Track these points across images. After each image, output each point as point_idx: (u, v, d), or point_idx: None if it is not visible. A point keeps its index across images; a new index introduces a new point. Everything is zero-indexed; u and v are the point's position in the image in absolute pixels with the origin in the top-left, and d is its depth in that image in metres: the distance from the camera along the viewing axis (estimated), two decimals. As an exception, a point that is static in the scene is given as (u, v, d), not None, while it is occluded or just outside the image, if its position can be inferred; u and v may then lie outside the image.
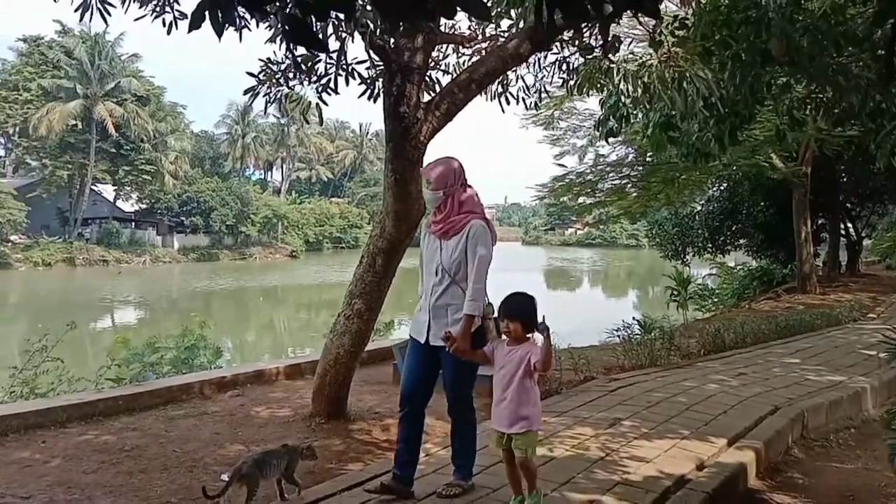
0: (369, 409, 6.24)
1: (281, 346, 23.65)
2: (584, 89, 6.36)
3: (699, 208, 24.11)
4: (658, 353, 8.98)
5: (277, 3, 2.01)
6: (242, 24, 4.51)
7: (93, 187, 56.23)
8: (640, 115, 7.08)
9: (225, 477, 4.46)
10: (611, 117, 6.65)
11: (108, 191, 59.75)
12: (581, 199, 21.11)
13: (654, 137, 6.72)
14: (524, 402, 3.78)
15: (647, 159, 17.73)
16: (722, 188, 23.12)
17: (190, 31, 2.06)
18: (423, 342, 4.20)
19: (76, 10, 4.57)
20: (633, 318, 12.34)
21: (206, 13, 1.90)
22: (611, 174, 19.50)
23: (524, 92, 6.76)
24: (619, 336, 10.50)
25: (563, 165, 19.49)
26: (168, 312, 30.91)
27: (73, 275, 48.23)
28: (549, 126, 18.98)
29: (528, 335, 3.86)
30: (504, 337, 3.92)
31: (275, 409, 6.26)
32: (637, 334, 10.52)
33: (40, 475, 4.60)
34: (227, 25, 1.98)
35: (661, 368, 8.51)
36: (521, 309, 3.85)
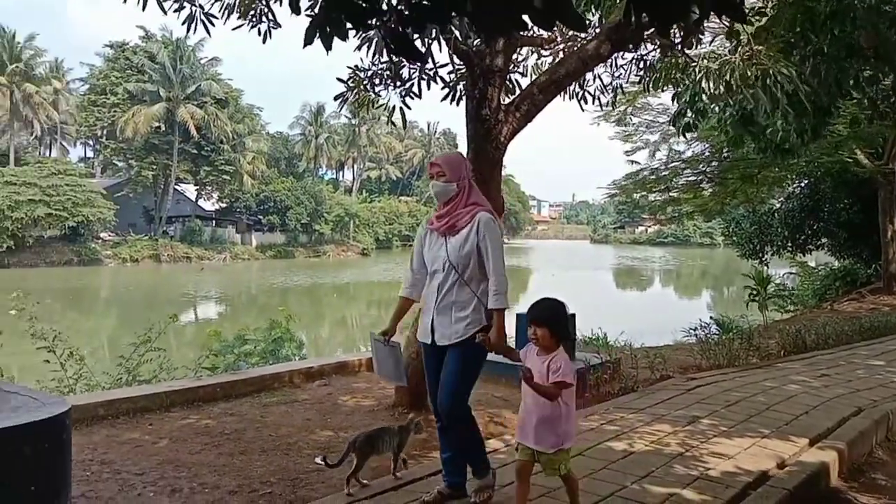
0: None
1: (352, 341, 24.17)
2: (661, 85, 6.40)
3: (778, 206, 23.44)
4: (736, 353, 8.89)
5: (380, 19, 2.20)
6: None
7: (176, 187, 58.49)
8: (716, 109, 7.05)
9: (319, 460, 4.76)
10: (688, 111, 6.64)
11: (190, 190, 62.02)
12: (653, 197, 20.85)
13: (731, 132, 6.69)
14: (554, 419, 3.53)
15: (724, 155, 17.42)
16: (803, 185, 22.43)
17: (304, 46, 2.27)
18: (430, 343, 4.05)
19: (183, 23, 4.92)
20: (710, 318, 12.22)
21: (318, 30, 2.12)
22: (685, 171, 19.22)
23: (601, 91, 6.83)
24: (695, 336, 10.42)
25: (636, 162, 19.34)
26: (248, 307, 32.00)
27: (159, 271, 50.32)
28: (622, 122, 18.84)
29: (558, 344, 3.60)
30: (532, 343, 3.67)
31: (359, 398, 6.53)
32: (714, 334, 10.42)
33: (150, 454, 4.94)
34: (334, 39, 2.20)
35: (740, 368, 8.44)
36: (548, 314, 3.62)
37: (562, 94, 6.07)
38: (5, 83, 51.21)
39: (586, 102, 6.40)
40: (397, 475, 4.37)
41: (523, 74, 6.45)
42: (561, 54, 6.13)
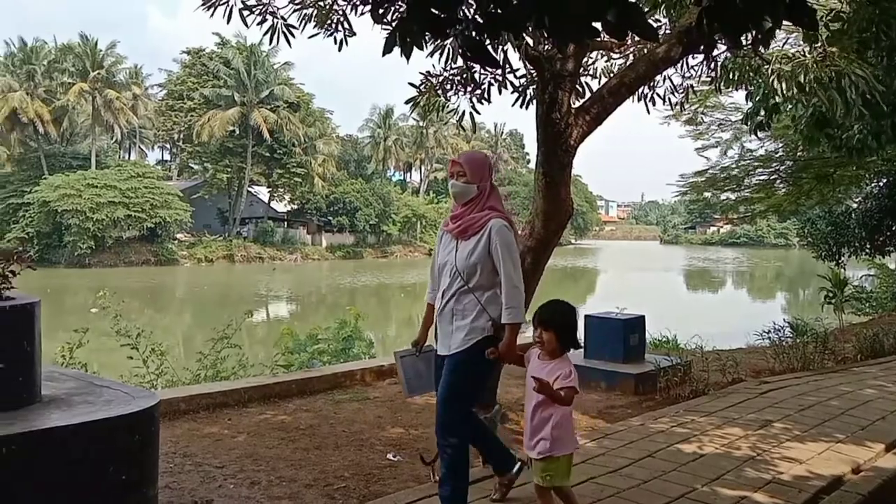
0: (517, 401, 6.49)
1: (419, 341, 24.28)
2: (734, 86, 6.33)
3: (855, 206, 22.56)
4: (811, 356, 8.70)
5: (457, 27, 2.30)
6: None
7: (249, 189, 60.05)
8: (789, 107, 6.92)
9: (391, 456, 4.92)
10: (760, 110, 6.54)
11: (262, 192, 63.62)
12: (725, 196, 20.36)
13: (806, 133, 6.57)
14: (544, 424, 3.36)
15: (798, 154, 16.92)
16: (881, 185, 21.51)
17: (383, 55, 2.37)
18: (439, 352, 3.90)
19: (264, 34, 5.15)
20: (784, 320, 11.92)
21: (397, 39, 2.23)
22: (758, 169, 18.72)
23: (671, 92, 6.77)
24: (768, 339, 10.22)
25: (707, 158, 18.96)
26: (317, 306, 32.68)
27: (233, 270, 51.80)
28: (693, 122, 18.48)
29: (564, 350, 3.44)
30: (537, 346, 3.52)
31: (429, 396, 6.60)
32: (788, 337, 10.20)
33: (229, 448, 5.16)
34: (413, 49, 2.30)
35: (814, 372, 8.26)
36: (557, 317, 3.44)
37: (632, 95, 6.06)
38: (88, 89, 53.48)
39: (654, 104, 6.36)
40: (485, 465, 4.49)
41: (594, 77, 6.46)
42: (631, 57, 6.13)
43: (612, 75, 6.01)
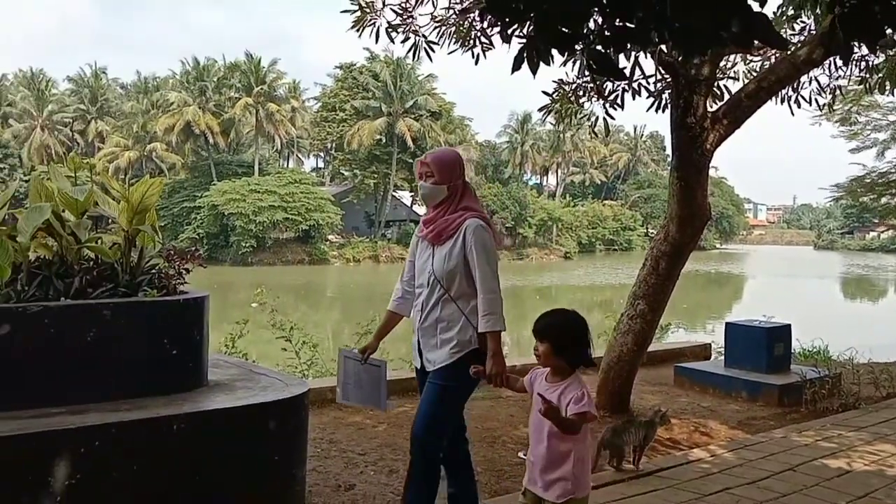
0: (651, 408, 6.45)
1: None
2: (889, 88, 5.99)
3: None
4: (980, 372, 8.00)
5: (583, 42, 2.40)
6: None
7: (393, 194, 62.31)
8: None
9: (521, 454, 5.07)
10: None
11: (406, 196, 65.65)
12: (884, 200, 18.91)
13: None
14: (563, 459, 2.89)
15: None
16: None
17: (512, 72, 2.51)
18: (419, 367, 3.61)
19: (408, 52, 5.48)
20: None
21: (525, 57, 2.38)
22: (919, 172, 17.25)
23: (817, 93, 6.49)
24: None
25: (861, 164, 17.70)
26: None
27: (377, 270, 53.65)
28: (846, 122, 17.31)
29: (570, 367, 2.96)
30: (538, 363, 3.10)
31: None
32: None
33: (371, 437, 5.47)
34: (539, 64, 2.44)
35: (982, 390, 7.60)
36: (553, 326, 3.00)
37: (773, 97, 5.88)
38: (252, 103, 57.86)
39: (799, 106, 6.12)
40: (639, 467, 4.59)
41: (734, 79, 6.31)
42: (772, 59, 5.96)
43: (751, 77, 5.86)
